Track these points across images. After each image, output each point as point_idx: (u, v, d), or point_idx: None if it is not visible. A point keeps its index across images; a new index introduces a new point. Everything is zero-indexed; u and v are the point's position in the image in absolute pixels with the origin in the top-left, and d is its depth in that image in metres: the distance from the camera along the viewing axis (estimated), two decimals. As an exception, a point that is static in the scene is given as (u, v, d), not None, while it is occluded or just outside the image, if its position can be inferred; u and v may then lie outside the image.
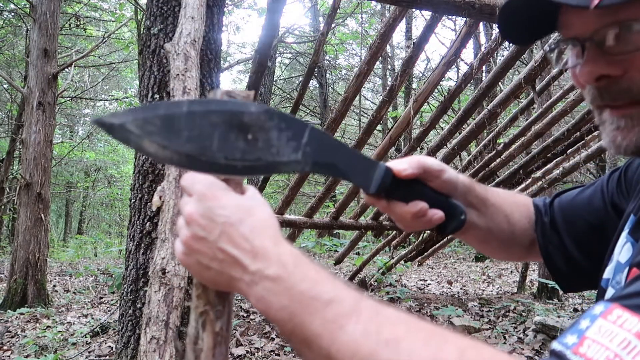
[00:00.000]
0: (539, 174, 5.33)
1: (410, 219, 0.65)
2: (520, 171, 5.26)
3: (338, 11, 5.72)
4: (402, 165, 0.64)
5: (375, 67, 4.21)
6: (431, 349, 0.40)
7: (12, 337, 4.55)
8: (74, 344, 4.21)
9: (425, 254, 7.49)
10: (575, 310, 5.34)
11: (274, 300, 0.45)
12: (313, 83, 14.62)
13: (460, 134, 4.67)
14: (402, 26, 14.27)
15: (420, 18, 14.02)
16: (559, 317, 4.44)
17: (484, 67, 6.86)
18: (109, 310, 5.50)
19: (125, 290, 2.82)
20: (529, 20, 0.61)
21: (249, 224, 0.48)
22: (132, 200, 2.89)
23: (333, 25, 10.09)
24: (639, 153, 0.56)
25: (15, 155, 10.58)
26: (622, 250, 0.61)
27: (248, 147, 0.50)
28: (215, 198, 0.48)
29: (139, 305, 2.72)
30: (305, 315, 0.44)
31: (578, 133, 4.77)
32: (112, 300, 6.35)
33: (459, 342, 0.41)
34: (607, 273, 0.63)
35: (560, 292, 5.93)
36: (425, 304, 5.64)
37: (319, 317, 0.44)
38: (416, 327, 0.42)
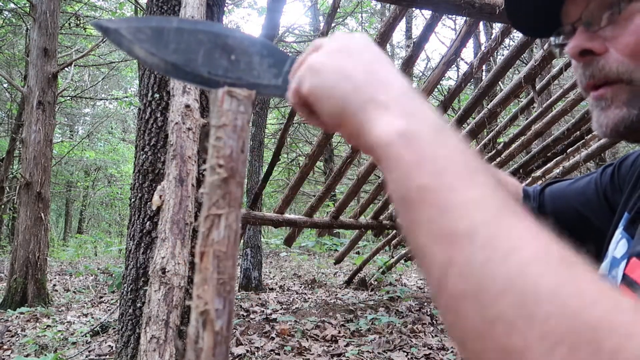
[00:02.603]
0: (539, 173, 5.33)
1: None
2: (520, 170, 5.26)
3: (338, 10, 5.70)
4: None
5: (375, 66, 4.19)
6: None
7: (12, 336, 4.55)
8: (74, 343, 4.21)
9: (425, 253, 7.48)
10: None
11: (423, 144, 0.36)
12: (313, 82, 14.58)
13: (460, 133, 4.66)
14: (402, 25, 14.27)
15: (420, 17, 14.02)
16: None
17: (484, 67, 6.86)
18: (109, 310, 5.50)
19: (125, 289, 2.82)
20: (536, 13, 0.63)
21: (397, 70, 0.42)
22: (132, 200, 2.89)
23: (333, 25, 10.08)
24: (619, 133, 0.56)
25: (15, 155, 10.58)
26: (618, 246, 0.61)
27: (231, 66, 0.53)
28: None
29: (139, 305, 2.72)
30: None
31: (578, 132, 4.77)
32: (112, 299, 6.35)
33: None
34: (602, 269, 0.64)
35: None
36: (426, 303, 5.64)
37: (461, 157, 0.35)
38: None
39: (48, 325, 4.82)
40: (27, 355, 3.87)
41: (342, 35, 0.46)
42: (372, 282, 7.08)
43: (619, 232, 0.63)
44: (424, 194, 0.33)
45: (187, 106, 1.82)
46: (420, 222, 0.33)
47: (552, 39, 0.64)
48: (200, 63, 0.53)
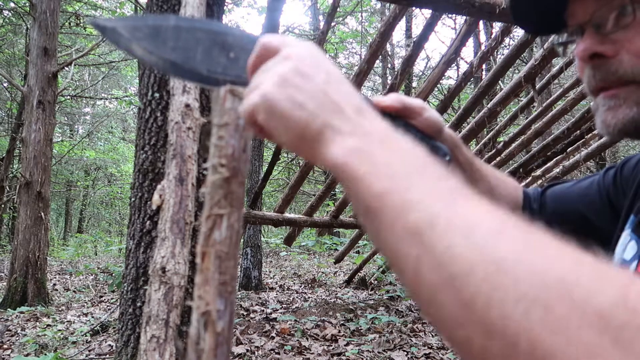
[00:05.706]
0: (539, 172, 5.33)
1: None
2: (520, 169, 5.26)
3: (338, 9, 5.70)
4: (382, 98, 0.63)
5: (375, 65, 4.20)
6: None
7: (12, 335, 4.55)
8: (74, 342, 4.21)
9: (425, 252, 7.48)
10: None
11: (376, 155, 0.37)
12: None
13: (460, 132, 4.67)
14: (402, 25, 14.26)
15: (420, 16, 14.01)
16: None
17: (484, 66, 6.86)
18: (109, 309, 5.50)
19: (125, 288, 2.82)
20: (540, 11, 0.63)
21: (349, 86, 0.43)
22: (132, 199, 2.89)
23: (333, 24, 10.08)
24: (627, 132, 0.57)
25: (15, 154, 10.57)
26: (627, 248, 0.62)
27: (229, 64, 0.53)
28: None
29: (139, 304, 2.72)
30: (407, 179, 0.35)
31: (578, 131, 4.77)
32: (112, 299, 6.35)
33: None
34: None
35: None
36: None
37: (425, 181, 0.35)
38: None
39: (48, 325, 4.82)
40: (27, 355, 3.87)
41: (293, 51, 0.45)
42: (372, 282, 7.08)
43: (627, 234, 0.63)
44: (382, 198, 0.34)
45: (187, 105, 1.82)
46: (385, 226, 0.34)
47: (554, 37, 0.64)
48: (199, 61, 0.52)
